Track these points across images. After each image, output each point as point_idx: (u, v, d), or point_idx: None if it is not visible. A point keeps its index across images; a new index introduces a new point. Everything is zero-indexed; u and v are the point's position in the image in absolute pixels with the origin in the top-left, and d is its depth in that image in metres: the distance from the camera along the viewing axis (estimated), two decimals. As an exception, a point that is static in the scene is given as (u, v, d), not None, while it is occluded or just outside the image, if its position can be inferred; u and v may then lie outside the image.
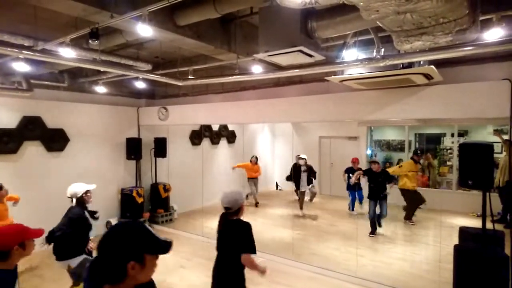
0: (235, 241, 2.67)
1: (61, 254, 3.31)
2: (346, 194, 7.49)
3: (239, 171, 8.63)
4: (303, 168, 7.45)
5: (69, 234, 3.25)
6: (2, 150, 5.34)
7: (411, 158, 6.92)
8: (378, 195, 6.06)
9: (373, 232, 6.13)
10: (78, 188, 3.44)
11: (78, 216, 3.34)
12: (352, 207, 7.45)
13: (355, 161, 7.12)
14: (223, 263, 2.75)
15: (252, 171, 8.51)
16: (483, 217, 3.19)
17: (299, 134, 9.34)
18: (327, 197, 8.86)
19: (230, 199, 2.71)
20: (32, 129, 5.70)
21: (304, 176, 7.45)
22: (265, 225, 7.11)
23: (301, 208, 7.53)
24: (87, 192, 3.47)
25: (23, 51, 3.27)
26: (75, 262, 3.32)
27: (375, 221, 6.14)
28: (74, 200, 3.39)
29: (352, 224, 6.76)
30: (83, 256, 3.39)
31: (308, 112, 5.14)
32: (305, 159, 7.50)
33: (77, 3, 2.58)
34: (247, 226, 2.72)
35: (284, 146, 10.00)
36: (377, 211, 6.15)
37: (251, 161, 8.55)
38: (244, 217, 2.91)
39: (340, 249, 5.68)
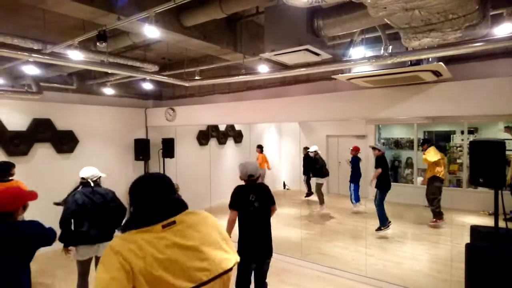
0: (269, 197, 3.30)
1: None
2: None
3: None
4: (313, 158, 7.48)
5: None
6: (13, 152, 5.44)
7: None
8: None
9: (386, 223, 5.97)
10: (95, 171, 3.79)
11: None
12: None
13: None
14: (266, 220, 3.24)
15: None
16: (495, 215, 3.13)
17: (306, 133, 9.29)
18: (335, 196, 8.80)
19: (254, 167, 3.20)
20: (42, 131, 5.78)
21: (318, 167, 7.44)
22: (273, 224, 7.08)
23: (321, 202, 7.39)
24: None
25: (33, 54, 3.31)
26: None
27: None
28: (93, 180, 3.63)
29: (361, 223, 6.71)
30: None
31: (315, 111, 5.12)
32: (314, 151, 7.50)
33: (85, 6, 2.60)
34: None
35: (291, 146, 9.96)
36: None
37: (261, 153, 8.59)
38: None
39: (348, 248, 5.65)
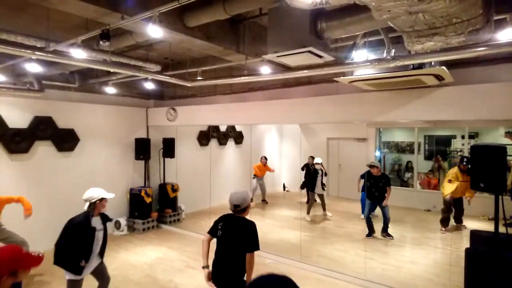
0: (241, 238, 2.83)
1: (58, 259, 3.13)
2: (353, 196, 7.41)
3: (245, 171, 8.62)
4: (320, 172, 7.34)
5: (64, 244, 3.10)
6: (14, 150, 5.44)
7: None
8: (378, 199, 5.96)
9: (370, 233, 6.05)
10: (95, 193, 3.27)
11: (75, 225, 3.13)
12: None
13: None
14: (227, 259, 2.89)
15: (262, 171, 8.62)
16: (496, 220, 3.13)
17: (307, 135, 9.29)
18: (335, 199, 8.80)
19: (240, 197, 2.93)
20: (43, 129, 5.79)
21: (319, 180, 7.34)
22: (273, 226, 7.09)
23: (308, 212, 7.36)
24: (102, 199, 3.28)
25: (36, 52, 3.32)
26: (68, 276, 3.20)
27: (371, 222, 6.07)
28: (87, 204, 3.23)
29: (360, 226, 6.70)
30: (78, 278, 3.19)
31: (317, 113, 5.12)
32: (320, 163, 7.37)
33: (89, 5, 2.60)
34: (253, 224, 2.90)
35: (291, 147, 9.96)
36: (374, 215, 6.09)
37: (261, 162, 8.64)
38: (252, 218, 3.06)
39: (348, 251, 5.64)
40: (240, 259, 2.81)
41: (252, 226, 2.88)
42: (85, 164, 6.40)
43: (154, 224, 7.19)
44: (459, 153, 7.98)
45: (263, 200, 8.83)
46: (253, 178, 8.66)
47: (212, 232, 2.99)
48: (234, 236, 2.86)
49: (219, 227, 2.96)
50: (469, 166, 5.95)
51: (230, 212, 2.98)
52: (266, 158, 8.73)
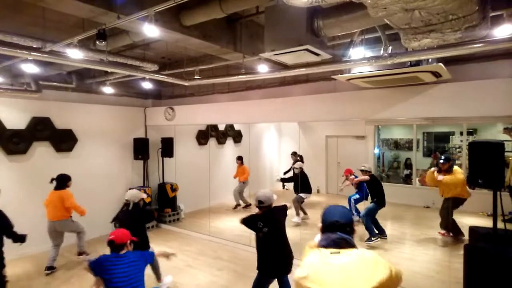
0: (283, 220, 3.48)
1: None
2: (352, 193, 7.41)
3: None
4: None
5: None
6: (12, 151, 5.42)
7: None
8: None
9: (375, 235, 5.78)
10: (138, 193, 4.20)
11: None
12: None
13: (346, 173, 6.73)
14: (282, 243, 3.39)
15: (239, 174, 8.23)
16: (494, 216, 3.14)
17: (305, 133, 9.29)
18: (334, 197, 8.81)
19: (265, 195, 3.29)
20: (41, 130, 5.77)
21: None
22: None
23: (298, 214, 7.06)
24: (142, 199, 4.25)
25: (32, 53, 3.30)
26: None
27: (378, 223, 5.93)
28: (131, 202, 4.08)
29: (359, 224, 6.71)
30: None
31: (315, 111, 5.12)
32: (298, 168, 7.05)
33: (85, 5, 2.59)
34: (285, 206, 3.57)
35: (290, 146, 9.95)
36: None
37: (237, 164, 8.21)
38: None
39: (347, 249, 5.63)
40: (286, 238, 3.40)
41: (285, 206, 3.51)
42: (83, 164, 6.39)
43: (154, 223, 7.19)
44: (457, 149, 8.00)
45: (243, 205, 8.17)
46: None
47: (252, 230, 3.36)
48: (278, 222, 3.34)
49: (260, 225, 3.25)
50: (444, 162, 5.64)
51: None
52: (239, 158, 8.19)
